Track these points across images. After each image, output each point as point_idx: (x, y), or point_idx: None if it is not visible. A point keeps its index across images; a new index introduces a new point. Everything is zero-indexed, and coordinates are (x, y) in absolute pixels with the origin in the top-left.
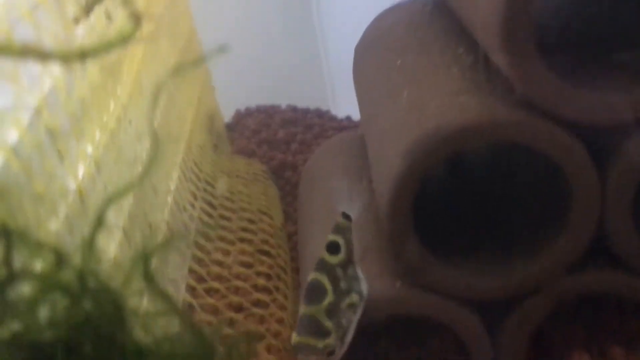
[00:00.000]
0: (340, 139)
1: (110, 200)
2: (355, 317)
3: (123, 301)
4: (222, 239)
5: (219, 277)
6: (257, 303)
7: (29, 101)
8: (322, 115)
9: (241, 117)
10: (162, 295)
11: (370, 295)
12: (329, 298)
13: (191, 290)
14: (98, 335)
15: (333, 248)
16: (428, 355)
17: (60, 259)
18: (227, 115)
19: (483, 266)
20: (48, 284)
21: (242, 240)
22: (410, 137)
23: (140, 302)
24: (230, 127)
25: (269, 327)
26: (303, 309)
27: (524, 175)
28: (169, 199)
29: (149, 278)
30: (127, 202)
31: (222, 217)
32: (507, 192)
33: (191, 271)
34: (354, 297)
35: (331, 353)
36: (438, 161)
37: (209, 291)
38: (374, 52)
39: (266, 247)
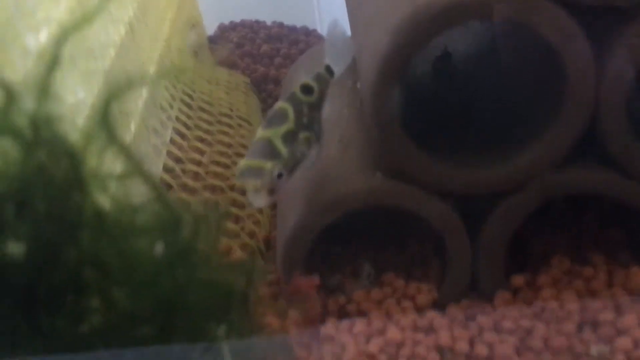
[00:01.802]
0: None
1: (66, 34)
2: (308, 155)
3: (81, 157)
4: (200, 139)
5: (195, 175)
6: (233, 203)
7: None
8: (309, 34)
9: (225, 31)
10: (123, 150)
11: (351, 186)
12: (289, 125)
13: (165, 186)
14: (52, 191)
15: (307, 90)
16: (406, 258)
17: (10, 97)
18: (211, 29)
19: (469, 159)
20: None
21: (220, 142)
22: (399, 14)
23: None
24: (213, 40)
25: (244, 227)
26: (260, 134)
27: (516, 66)
28: (144, 92)
29: (109, 128)
30: (98, 83)
31: (201, 119)
32: (499, 86)
33: (166, 169)
34: (312, 134)
35: (279, 176)
36: (428, 39)
37: (184, 188)
38: None
39: (245, 152)
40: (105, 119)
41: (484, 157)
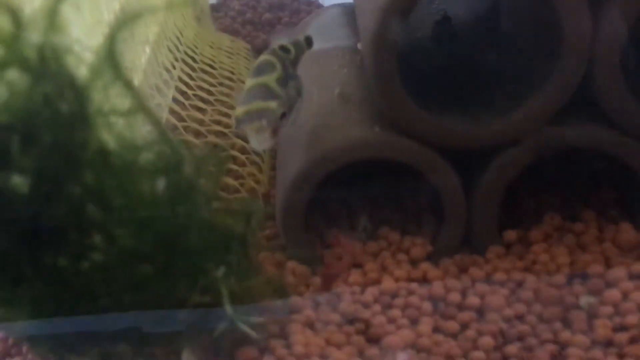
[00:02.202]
0: (326, 10)
1: None
2: (297, 103)
3: (86, 90)
4: (202, 100)
5: (196, 133)
6: (234, 160)
7: None
8: (311, 4)
9: None
10: (128, 86)
11: (349, 138)
12: (278, 72)
13: None
14: (57, 125)
15: (284, 49)
16: (402, 212)
17: (18, 22)
18: None
19: (466, 114)
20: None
21: (222, 103)
22: None
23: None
24: (215, 8)
25: (244, 183)
26: (251, 82)
27: (513, 22)
28: (147, 49)
29: (114, 62)
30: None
31: (204, 80)
32: (496, 43)
33: (168, 126)
34: (298, 84)
35: (283, 116)
36: None
37: (186, 145)
38: None
39: None
40: (111, 55)
41: (481, 112)
